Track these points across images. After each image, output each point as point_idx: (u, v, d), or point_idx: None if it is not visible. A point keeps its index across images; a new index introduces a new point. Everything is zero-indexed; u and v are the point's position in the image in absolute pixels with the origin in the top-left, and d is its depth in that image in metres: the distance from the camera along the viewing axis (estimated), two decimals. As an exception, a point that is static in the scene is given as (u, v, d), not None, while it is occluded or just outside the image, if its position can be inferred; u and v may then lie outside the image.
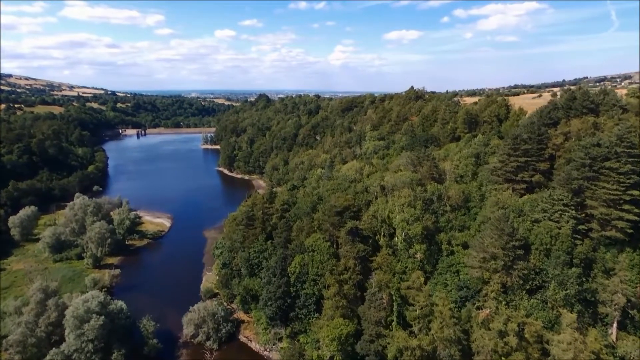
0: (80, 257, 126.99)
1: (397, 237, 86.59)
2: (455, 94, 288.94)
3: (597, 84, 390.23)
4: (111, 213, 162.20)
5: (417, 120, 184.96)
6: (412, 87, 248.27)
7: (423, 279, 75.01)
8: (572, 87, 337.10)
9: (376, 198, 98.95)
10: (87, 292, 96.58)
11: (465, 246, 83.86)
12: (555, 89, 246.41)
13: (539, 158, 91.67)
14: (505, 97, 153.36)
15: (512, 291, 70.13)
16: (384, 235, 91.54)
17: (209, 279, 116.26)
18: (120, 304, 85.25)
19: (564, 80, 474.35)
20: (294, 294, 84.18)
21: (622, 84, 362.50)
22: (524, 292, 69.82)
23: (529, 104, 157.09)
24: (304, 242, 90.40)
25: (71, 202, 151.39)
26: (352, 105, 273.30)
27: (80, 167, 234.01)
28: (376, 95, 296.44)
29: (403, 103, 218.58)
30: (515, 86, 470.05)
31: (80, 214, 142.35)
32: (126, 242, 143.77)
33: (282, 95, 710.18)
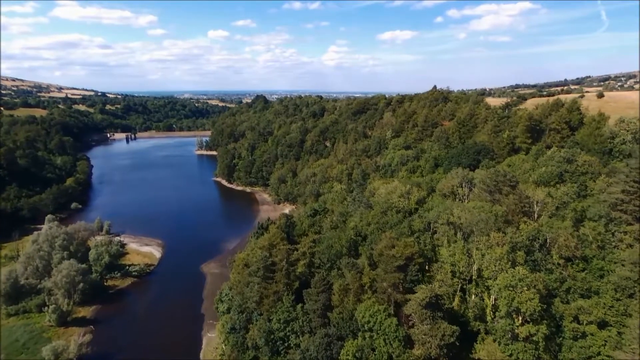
0: (41, 310, 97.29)
1: (499, 311, 58.53)
2: (463, 93, 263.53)
3: (602, 83, 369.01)
4: (89, 241, 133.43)
5: (452, 125, 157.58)
6: (435, 87, 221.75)
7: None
8: (575, 87, 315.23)
9: (449, 243, 70.98)
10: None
11: (603, 324, 56.13)
12: (600, 88, 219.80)
13: (687, 188, 64.34)
14: (576, 99, 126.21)
15: None
16: (468, 302, 63.79)
17: (212, 342, 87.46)
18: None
19: (565, 80, 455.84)
20: (346, 400, 55.98)
21: (628, 83, 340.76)
22: None
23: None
24: (353, 313, 62.18)
25: (35, 233, 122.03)
26: (365, 108, 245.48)
27: (58, 180, 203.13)
28: (387, 95, 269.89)
29: (429, 105, 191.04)
30: (517, 86, 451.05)
31: (45, 248, 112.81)
32: (105, 283, 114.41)
33: (276, 96, 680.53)
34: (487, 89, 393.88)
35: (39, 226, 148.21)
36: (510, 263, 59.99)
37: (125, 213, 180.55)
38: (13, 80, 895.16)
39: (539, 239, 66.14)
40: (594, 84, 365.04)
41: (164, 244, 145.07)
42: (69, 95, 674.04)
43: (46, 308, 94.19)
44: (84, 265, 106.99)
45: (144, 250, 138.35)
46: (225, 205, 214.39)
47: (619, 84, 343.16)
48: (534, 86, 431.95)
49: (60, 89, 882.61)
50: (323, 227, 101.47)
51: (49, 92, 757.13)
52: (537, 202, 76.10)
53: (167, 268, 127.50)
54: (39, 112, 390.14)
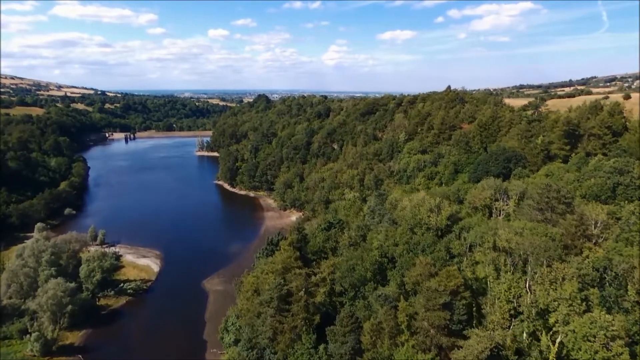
0: (23, 336, 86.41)
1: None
2: (469, 94, 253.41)
3: (607, 83, 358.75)
4: (81, 253, 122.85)
5: (473, 128, 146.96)
6: (449, 87, 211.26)
7: None
8: (581, 87, 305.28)
9: (497, 272, 60.03)
10: None
11: None
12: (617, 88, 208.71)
13: None
14: (619, 102, 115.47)
15: None
16: (524, 345, 52.95)
17: (216, 378, 76.83)
18: None
19: (570, 80, 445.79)
20: None
21: (635, 83, 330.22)
22: None
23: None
24: (390, 361, 51.41)
25: (20, 246, 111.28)
26: (374, 108, 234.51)
27: (51, 183, 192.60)
28: (393, 95, 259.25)
29: (445, 107, 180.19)
30: (521, 86, 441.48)
31: (31, 264, 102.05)
32: (97, 302, 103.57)
33: (276, 95, 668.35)
34: (491, 89, 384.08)
35: (28, 234, 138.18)
36: (584, 303, 49.16)
37: (122, 219, 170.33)
38: (12, 78, 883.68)
39: (611, 270, 55.29)
40: (600, 84, 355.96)
41: (162, 255, 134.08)
42: (68, 94, 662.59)
43: (30, 335, 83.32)
44: (73, 284, 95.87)
45: (140, 263, 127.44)
46: (227, 211, 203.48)
47: (626, 84, 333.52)
48: (538, 86, 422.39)
49: (59, 87, 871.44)
50: (340, 243, 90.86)
51: (48, 91, 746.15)
52: (597, 223, 65.20)
53: (165, 284, 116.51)
54: (36, 111, 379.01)
